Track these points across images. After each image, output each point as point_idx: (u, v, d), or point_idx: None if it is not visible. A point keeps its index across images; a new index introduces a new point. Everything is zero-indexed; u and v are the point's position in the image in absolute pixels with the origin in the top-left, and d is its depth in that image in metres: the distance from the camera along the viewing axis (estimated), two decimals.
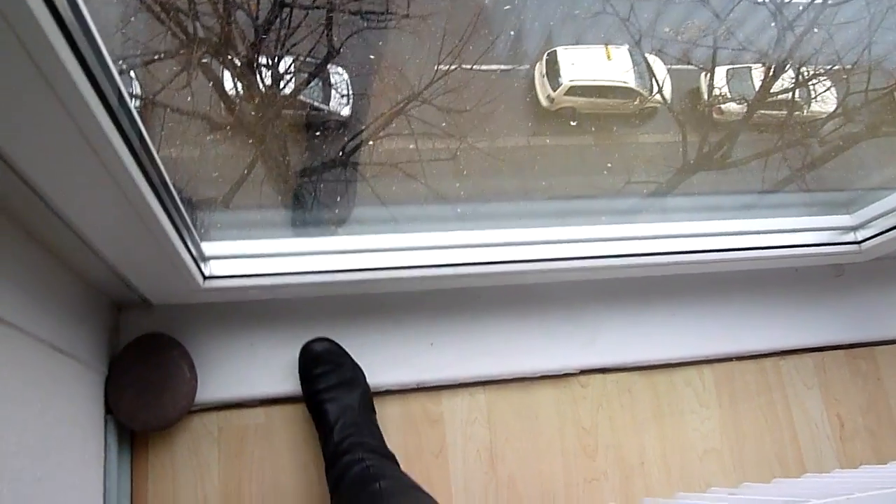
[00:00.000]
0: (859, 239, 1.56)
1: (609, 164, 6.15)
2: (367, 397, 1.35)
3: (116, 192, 0.87)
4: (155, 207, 0.98)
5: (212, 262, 1.28)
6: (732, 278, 1.63)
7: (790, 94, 6.52)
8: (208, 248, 1.28)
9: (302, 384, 1.34)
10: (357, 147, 5.34)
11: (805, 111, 6.92)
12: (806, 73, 6.63)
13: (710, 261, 1.52)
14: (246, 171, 4.77)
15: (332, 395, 1.29)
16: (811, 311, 1.65)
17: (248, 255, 1.29)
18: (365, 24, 4.97)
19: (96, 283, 1.25)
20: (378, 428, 1.32)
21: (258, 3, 4.50)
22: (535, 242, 1.42)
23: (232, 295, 1.33)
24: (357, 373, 1.36)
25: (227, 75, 4.63)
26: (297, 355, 1.36)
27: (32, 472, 0.97)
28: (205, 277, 1.25)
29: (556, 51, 6.31)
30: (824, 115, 6.87)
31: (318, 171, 5.17)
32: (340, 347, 1.38)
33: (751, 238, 1.54)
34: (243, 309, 1.39)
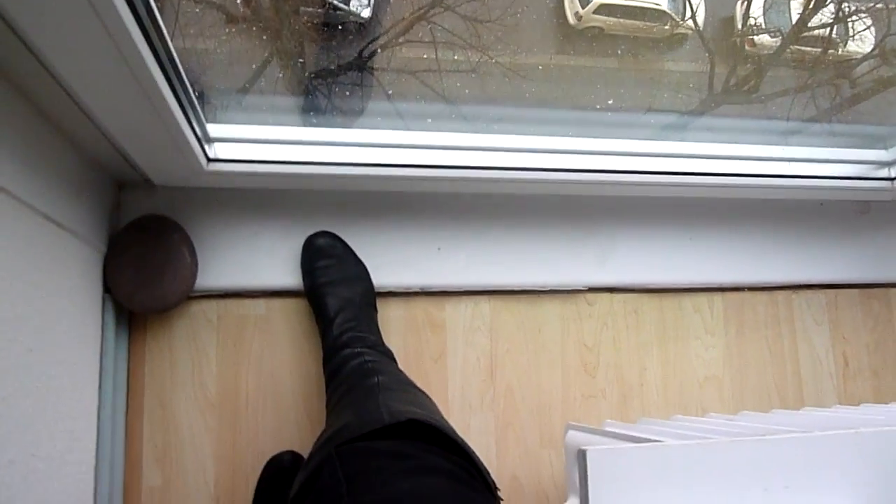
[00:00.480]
0: (893, 175, 1.49)
1: (633, 88, 5.96)
2: (370, 294, 1.33)
3: (117, 58, 0.82)
4: (158, 78, 0.92)
5: (216, 144, 1.23)
6: (753, 206, 1.57)
7: (827, 31, 6.24)
8: (214, 129, 1.22)
9: (304, 276, 1.32)
10: (375, 51, 5.17)
11: (840, 50, 6.64)
12: (847, 9, 6.33)
13: (731, 185, 1.46)
14: (260, 67, 4.65)
15: (334, 289, 1.26)
16: (831, 246, 1.61)
17: (255, 139, 1.24)
18: None
19: (98, 159, 1.21)
20: (377, 326, 1.30)
21: None
22: (551, 151, 1.36)
23: (237, 181, 1.28)
24: (361, 269, 1.33)
25: None
26: (301, 248, 1.33)
27: (25, 343, 0.95)
28: (209, 160, 1.20)
29: None
30: (860, 55, 6.60)
31: (333, 73, 5.03)
32: (345, 243, 1.34)
33: (778, 165, 1.48)
34: (248, 197, 1.35)
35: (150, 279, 1.25)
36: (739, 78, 6.38)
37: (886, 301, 1.64)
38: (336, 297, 1.26)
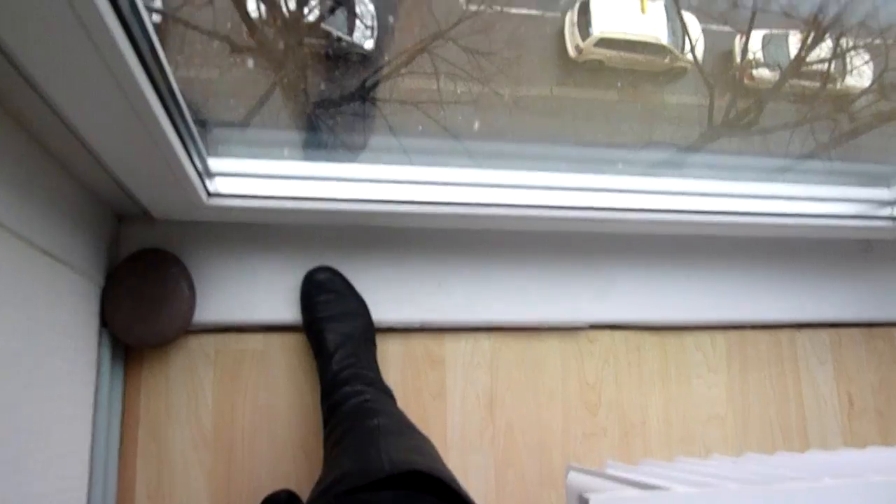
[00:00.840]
0: (895, 215, 1.49)
1: (632, 121, 6.01)
2: (369, 330, 1.31)
3: (120, 96, 0.82)
4: (160, 115, 0.92)
5: (217, 178, 1.22)
6: (755, 243, 1.57)
7: (826, 66, 6.30)
8: (215, 164, 1.22)
9: (303, 311, 1.30)
10: (378, 82, 5.23)
11: (839, 84, 6.70)
12: (845, 45, 6.40)
13: (734, 223, 1.46)
14: (263, 97, 4.68)
15: (333, 325, 1.25)
16: (833, 284, 1.60)
17: (256, 174, 1.23)
18: None
19: (97, 191, 1.20)
20: (376, 362, 1.29)
21: None
22: (551, 187, 1.36)
23: (237, 215, 1.28)
24: (360, 305, 1.32)
25: None
26: (300, 283, 1.32)
27: (20, 379, 0.94)
28: (209, 194, 1.19)
29: None
30: (858, 90, 6.66)
31: (336, 103, 5.07)
32: (344, 278, 1.34)
33: (780, 203, 1.47)
34: (248, 231, 1.35)
35: (148, 313, 1.24)
36: (739, 111, 6.42)
37: (890, 340, 1.63)
38: (335, 332, 1.25)
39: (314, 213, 1.28)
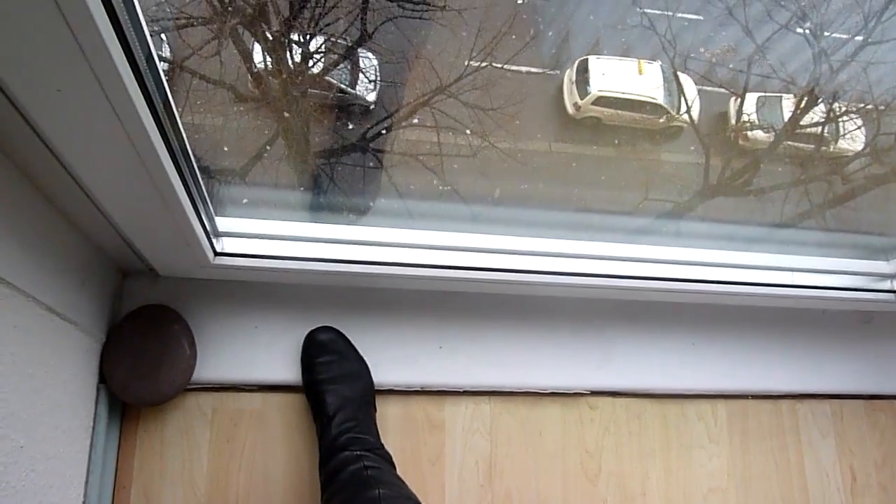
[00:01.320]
0: (895, 288, 1.50)
1: (629, 179, 6.09)
2: (370, 393, 1.30)
3: (133, 157, 0.82)
4: (173, 177, 0.93)
5: (224, 238, 1.23)
6: (756, 313, 1.57)
7: (819, 129, 6.42)
8: (222, 223, 1.23)
9: (303, 371, 1.29)
10: (379, 134, 5.30)
11: (832, 147, 6.82)
12: (837, 109, 6.53)
13: (733, 293, 1.47)
14: (267, 145, 4.74)
15: (334, 387, 1.24)
16: (834, 356, 1.59)
17: (261, 235, 1.24)
18: (401, 12, 4.93)
19: (104, 248, 1.21)
20: (376, 426, 1.27)
21: None
22: (553, 254, 1.37)
23: (241, 274, 1.28)
24: (362, 366, 1.31)
25: (257, 48, 4.59)
26: (301, 342, 1.32)
27: (16, 440, 0.92)
28: (216, 254, 1.20)
29: (587, 59, 6.22)
30: (851, 153, 6.77)
31: (338, 153, 5.13)
32: (347, 339, 1.33)
33: (778, 275, 1.48)
34: (251, 288, 1.35)
35: (147, 371, 1.23)
36: (734, 171, 6.51)
37: (893, 413, 1.62)
38: (336, 394, 1.23)
39: (317, 273, 1.28)
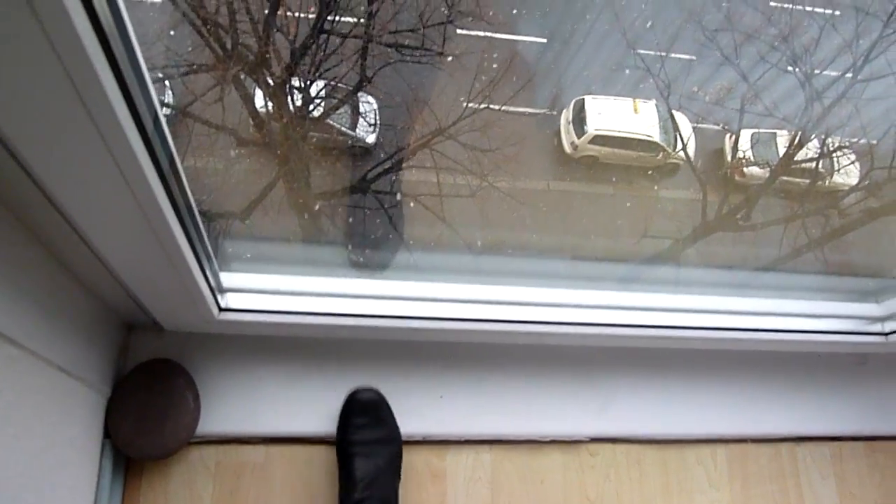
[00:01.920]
0: (886, 331, 1.52)
1: (627, 216, 6.14)
2: (398, 460, 1.32)
3: (140, 217, 0.85)
4: (178, 236, 0.96)
5: (229, 294, 1.26)
6: (752, 356, 1.59)
7: (814, 164, 6.50)
8: (227, 279, 1.26)
9: (339, 428, 1.31)
10: (379, 175, 5.37)
11: (828, 182, 6.90)
12: (831, 145, 6.63)
13: (729, 339, 1.49)
14: (267, 188, 4.80)
15: (367, 451, 1.26)
16: (832, 398, 1.61)
17: (265, 290, 1.27)
18: (399, 57, 5.03)
19: (110, 303, 1.23)
20: (398, 495, 1.29)
21: (297, 26, 4.57)
22: (550, 304, 1.39)
23: (245, 328, 1.31)
24: (395, 433, 1.33)
25: (258, 93, 4.68)
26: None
27: (26, 500, 0.94)
28: (220, 309, 1.22)
29: (584, 99, 6.33)
30: (846, 188, 6.85)
31: (338, 195, 5.19)
32: (386, 402, 1.35)
33: (773, 320, 1.51)
34: (255, 341, 1.37)
35: (152, 426, 1.25)
36: (731, 207, 6.56)
37: (892, 454, 1.62)
38: (367, 458, 1.25)
39: (319, 327, 1.30)
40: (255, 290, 1.26)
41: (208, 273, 1.15)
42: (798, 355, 1.61)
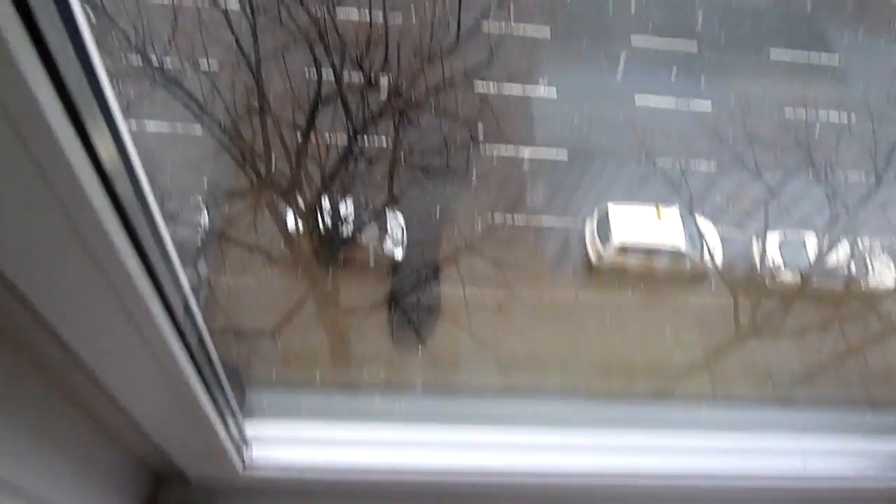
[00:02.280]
0: None
1: (657, 326, 6.05)
2: None
3: (164, 382, 0.88)
4: (200, 395, 0.98)
5: (255, 445, 1.26)
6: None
7: (846, 268, 6.39)
8: (253, 429, 1.27)
9: None
10: (407, 290, 5.45)
11: (863, 285, 6.73)
12: (861, 248, 6.52)
13: (766, 487, 1.43)
14: (297, 305, 4.89)
15: None
16: None
17: (293, 440, 1.28)
18: (424, 177, 5.22)
19: (137, 453, 1.25)
20: None
21: (328, 153, 4.80)
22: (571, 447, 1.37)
23: (271, 485, 1.31)
24: None
25: (289, 213, 4.87)
26: None
27: None
28: (244, 466, 1.23)
29: (607, 206, 6.34)
30: (882, 290, 6.67)
31: (366, 310, 5.24)
32: None
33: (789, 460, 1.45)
34: (285, 493, 1.36)
35: None
36: (764, 313, 6.42)
37: None
38: None
39: (353, 483, 1.30)
40: (283, 439, 1.27)
41: (232, 428, 1.16)
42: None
